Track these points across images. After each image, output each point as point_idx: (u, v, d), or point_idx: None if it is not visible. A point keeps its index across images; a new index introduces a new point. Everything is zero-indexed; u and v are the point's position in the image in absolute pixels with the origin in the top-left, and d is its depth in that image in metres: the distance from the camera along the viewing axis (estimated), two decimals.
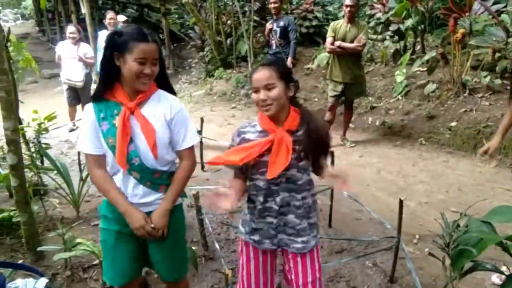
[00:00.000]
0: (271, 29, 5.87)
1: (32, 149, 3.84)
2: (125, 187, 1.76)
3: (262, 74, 1.66)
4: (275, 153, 1.66)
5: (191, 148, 1.83)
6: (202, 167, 4.75)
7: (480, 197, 3.83)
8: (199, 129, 4.78)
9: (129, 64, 1.62)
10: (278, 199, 1.76)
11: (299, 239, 1.79)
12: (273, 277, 1.92)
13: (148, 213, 1.78)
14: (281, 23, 5.84)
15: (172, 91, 1.86)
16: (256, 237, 1.84)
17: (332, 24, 5.30)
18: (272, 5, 5.89)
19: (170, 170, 1.83)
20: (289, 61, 5.76)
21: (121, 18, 7.15)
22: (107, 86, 1.71)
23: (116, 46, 1.64)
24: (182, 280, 2.02)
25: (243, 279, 1.89)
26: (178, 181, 1.79)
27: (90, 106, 1.73)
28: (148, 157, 1.72)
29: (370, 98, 6.53)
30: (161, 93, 1.80)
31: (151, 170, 1.74)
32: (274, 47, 5.96)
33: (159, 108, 1.75)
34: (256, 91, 1.67)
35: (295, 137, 1.69)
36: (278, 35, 5.87)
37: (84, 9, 9.84)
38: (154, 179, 1.76)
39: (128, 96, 1.71)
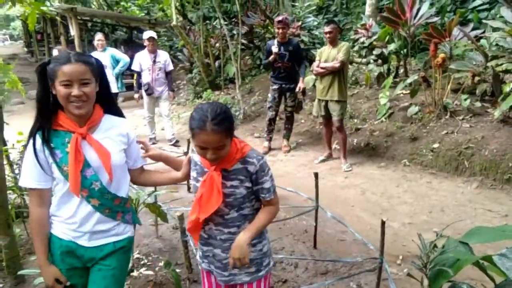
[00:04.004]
0: (278, 54, 5.77)
1: (16, 171, 3.81)
2: (79, 213, 1.68)
3: (213, 138, 1.54)
4: (206, 193, 1.65)
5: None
6: (188, 189, 4.74)
7: (462, 217, 3.90)
8: (186, 150, 4.80)
9: (57, 89, 1.57)
10: (206, 227, 1.78)
11: (225, 273, 1.79)
12: None
13: (104, 246, 1.73)
14: (290, 47, 5.79)
15: (119, 114, 1.85)
16: (204, 264, 1.87)
17: (319, 50, 5.74)
18: (280, 31, 5.76)
19: (126, 196, 1.82)
20: (301, 82, 5.84)
21: (147, 34, 6.67)
22: (48, 117, 1.65)
23: (48, 75, 1.60)
24: None
25: None
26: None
27: (32, 139, 1.64)
28: (107, 178, 1.69)
29: (355, 120, 6.64)
30: (110, 117, 1.79)
31: (112, 196, 1.72)
32: (281, 70, 5.90)
33: (112, 131, 1.75)
34: (204, 149, 1.59)
35: (230, 174, 1.68)
36: (286, 59, 5.82)
37: (73, 31, 9.93)
38: (113, 206, 1.73)
39: (75, 123, 1.65)
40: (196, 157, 1.78)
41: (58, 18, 9.75)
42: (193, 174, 1.80)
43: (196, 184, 1.77)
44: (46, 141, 1.62)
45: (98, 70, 1.67)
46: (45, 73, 1.61)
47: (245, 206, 1.73)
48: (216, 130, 1.53)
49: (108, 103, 1.80)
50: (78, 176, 1.61)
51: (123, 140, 1.78)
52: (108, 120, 1.77)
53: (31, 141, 1.64)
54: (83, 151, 1.64)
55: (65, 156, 1.63)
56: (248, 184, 1.69)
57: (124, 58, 6.93)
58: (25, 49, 21.75)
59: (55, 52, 6.33)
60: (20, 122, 8.02)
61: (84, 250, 1.71)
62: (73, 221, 1.69)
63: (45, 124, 1.63)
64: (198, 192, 1.69)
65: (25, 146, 1.68)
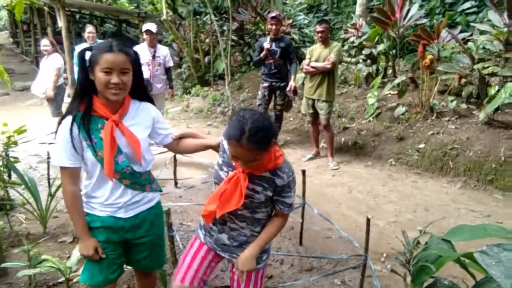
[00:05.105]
0: (269, 50, 5.71)
1: (0, 163, 3.75)
2: (114, 194, 1.82)
3: (247, 154, 1.49)
4: (228, 192, 1.65)
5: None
6: (175, 184, 4.73)
7: (445, 217, 3.96)
8: None
9: (97, 75, 1.66)
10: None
11: (226, 254, 1.86)
12: (205, 274, 1.90)
13: (139, 214, 1.89)
14: (282, 44, 5.73)
15: (150, 101, 1.95)
16: (202, 236, 1.92)
17: (309, 48, 5.73)
18: (273, 27, 5.66)
19: (150, 168, 1.96)
20: (292, 81, 5.74)
21: (145, 27, 5.87)
22: (85, 101, 1.72)
23: (88, 61, 1.70)
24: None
25: (181, 261, 1.93)
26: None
27: (69, 120, 1.71)
28: (137, 164, 1.82)
29: (343, 119, 6.69)
30: (136, 102, 1.87)
31: (140, 174, 1.86)
32: (273, 67, 5.82)
33: (139, 117, 1.85)
34: (236, 157, 1.56)
35: (256, 178, 1.66)
36: (278, 55, 5.75)
37: (61, 23, 9.77)
38: (142, 181, 1.88)
39: (108, 109, 1.74)
40: (226, 145, 1.75)
41: (46, 9, 9.58)
42: (219, 160, 1.79)
43: (218, 171, 1.76)
44: (84, 125, 1.71)
45: (135, 60, 1.76)
46: (85, 59, 1.71)
47: (259, 210, 1.74)
48: (252, 147, 1.46)
49: (141, 92, 1.88)
50: (112, 162, 1.72)
51: (148, 125, 1.89)
52: (135, 106, 1.86)
53: (66, 122, 1.71)
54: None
55: (99, 142, 1.72)
56: (269, 193, 1.69)
57: None
58: (11, 40, 21.36)
59: (44, 42, 6.22)
60: (5, 113, 7.91)
61: (124, 221, 1.86)
62: (109, 202, 1.83)
63: (86, 109, 1.72)
64: (221, 187, 1.67)
65: (57, 127, 1.75)
